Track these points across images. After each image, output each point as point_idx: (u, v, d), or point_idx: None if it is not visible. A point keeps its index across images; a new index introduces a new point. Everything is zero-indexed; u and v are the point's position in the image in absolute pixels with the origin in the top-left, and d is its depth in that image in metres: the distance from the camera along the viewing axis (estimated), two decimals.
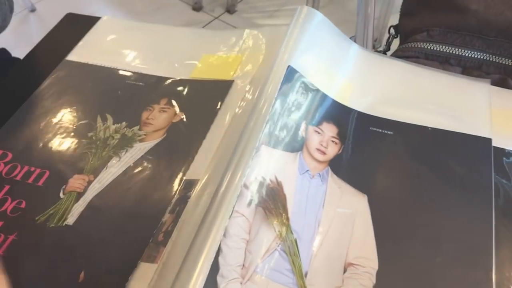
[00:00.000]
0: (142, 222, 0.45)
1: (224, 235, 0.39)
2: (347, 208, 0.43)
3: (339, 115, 0.50)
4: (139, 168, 0.49)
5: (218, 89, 0.55)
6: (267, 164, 0.44)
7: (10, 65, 0.81)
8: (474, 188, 0.44)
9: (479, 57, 0.58)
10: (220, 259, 0.38)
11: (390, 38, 0.68)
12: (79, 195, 0.48)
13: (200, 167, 0.47)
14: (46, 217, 0.46)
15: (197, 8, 1.96)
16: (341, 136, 0.48)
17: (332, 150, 0.47)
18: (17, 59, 0.82)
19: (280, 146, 0.46)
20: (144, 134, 0.52)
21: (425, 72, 0.54)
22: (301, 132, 0.47)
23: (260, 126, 0.45)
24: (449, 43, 0.59)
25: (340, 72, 0.53)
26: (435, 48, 0.60)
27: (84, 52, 0.61)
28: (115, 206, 0.46)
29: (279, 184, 0.43)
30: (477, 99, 0.51)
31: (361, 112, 0.50)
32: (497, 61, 0.58)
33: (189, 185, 0.46)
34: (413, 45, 0.61)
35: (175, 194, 0.46)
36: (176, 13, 1.98)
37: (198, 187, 0.45)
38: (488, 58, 0.58)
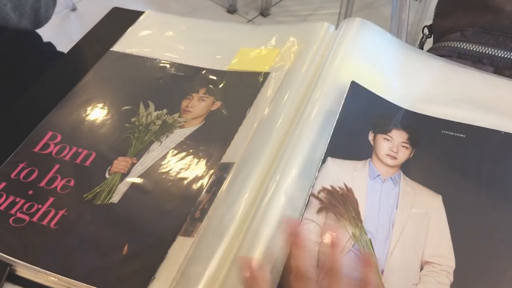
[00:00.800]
0: (180, 201, 0.47)
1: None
2: (421, 208, 0.45)
3: (407, 121, 0.52)
4: (179, 152, 0.52)
5: (255, 80, 0.57)
6: (334, 173, 0.47)
7: (56, 58, 0.85)
8: None
9: (511, 57, 0.59)
10: (292, 261, 0.39)
11: (424, 38, 0.69)
12: (123, 176, 0.51)
13: (236, 151, 0.50)
14: (93, 195, 0.49)
15: (232, 10, 2.00)
16: (412, 141, 0.50)
17: (403, 154, 0.49)
18: (62, 53, 0.87)
19: (347, 155, 0.48)
20: (184, 121, 0.55)
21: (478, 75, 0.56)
22: (370, 141, 0.50)
23: (314, 135, 0.49)
24: (482, 43, 0.60)
25: (392, 75, 0.56)
26: (468, 48, 0.61)
27: (128, 44, 0.65)
28: (156, 186, 0.49)
29: (349, 190, 0.46)
30: None
31: (430, 116, 0.52)
32: None
33: (224, 167, 0.49)
34: (446, 44, 0.62)
35: (211, 175, 0.49)
36: (210, 15, 2.02)
37: (233, 169, 0.48)
38: None
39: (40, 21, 0.67)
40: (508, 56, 0.59)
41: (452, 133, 0.50)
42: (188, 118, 0.55)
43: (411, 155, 0.49)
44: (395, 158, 0.49)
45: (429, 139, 0.50)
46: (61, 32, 2.01)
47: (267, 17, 1.98)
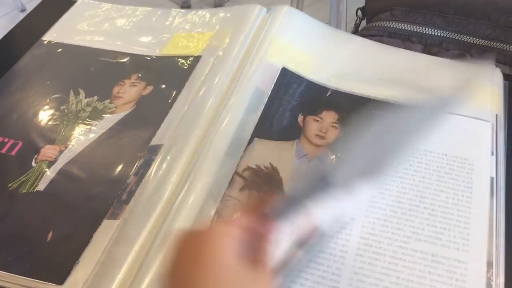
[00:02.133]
0: (108, 185, 0.47)
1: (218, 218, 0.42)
2: None
3: (337, 101, 0.52)
4: (108, 137, 0.51)
5: (186, 63, 0.57)
6: (259, 153, 0.47)
7: None
8: None
9: (439, 34, 0.61)
10: None
11: (358, 20, 0.70)
12: (51, 163, 0.49)
13: (165, 134, 0.49)
14: (18, 184, 0.48)
15: (186, 6, 1.99)
16: (341, 121, 0.50)
17: (332, 134, 0.50)
18: None
19: (275, 137, 0.49)
20: (115, 107, 0.54)
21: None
22: (299, 123, 0.50)
23: (244, 118, 0.49)
24: (410, 22, 0.62)
25: (320, 57, 0.56)
26: (397, 27, 0.62)
27: (59, 33, 0.63)
28: (84, 172, 0.48)
29: (274, 169, 0.46)
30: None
31: (360, 96, 0.52)
32: (456, 38, 0.60)
33: (153, 150, 0.48)
34: (377, 24, 0.63)
35: (140, 158, 0.48)
36: None
37: (161, 151, 0.47)
38: (447, 36, 0.61)
39: None
40: (436, 34, 0.61)
41: (380, 112, 0.51)
42: (119, 103, 0.55)
43: (340, 134, 0.50)
44: (323, 138, 0.49)
45: (358, 119, 0.51)
46: None
47: None
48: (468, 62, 0.58)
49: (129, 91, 0.56)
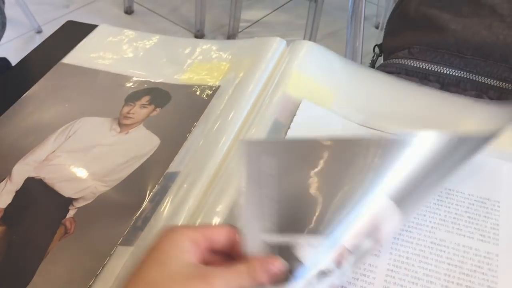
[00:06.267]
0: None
1: None
2: None
3: None
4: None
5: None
6: None
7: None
8: None
9: (457, 74, 0.61)
10: None
11: (375, 57, 0.71)
12: None
13: (183, 160, 0.49)
14: None
15: (199, 35, 2.02)
16: None
17: None
18: None
19: None
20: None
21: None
22: None
23: None
24: (428, 61, 0.62)
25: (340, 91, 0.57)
26: (415, 65, 0.62)
27: (79, 56, 0.64)
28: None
29: None
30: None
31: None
32: (474, 78, 0.60)
33: (170, 177, 0.48)
34: (394, 62, 0.64)
35: (155, 185, 0.48)
36: None
37: (178, 179, 0.47)
38: (465, 76, 0.61)
39: None
40: (454, 73, 0.61)
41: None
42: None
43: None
44: None
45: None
46: (25, 55, 1.99)
47: None
48: (490, 103, 0.57)
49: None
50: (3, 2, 0.70)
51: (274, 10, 2.15)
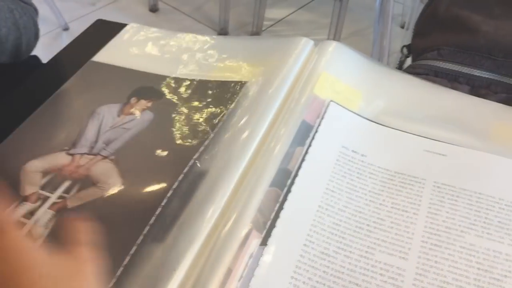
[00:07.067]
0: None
1: None
2: None
3: None
4: None
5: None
6: None
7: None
8: None
9: (487, 76, 0.60)
10: None
11: (403, 57, 0.70)
12: None
13: (211, 159, 0.50)
14: None
15: (223, 33, 2.02)
16: None
17: None
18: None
19: None
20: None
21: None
22: None
23: None
24: (458, 62, 0.61)
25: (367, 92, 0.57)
26: (444, 67, 0.62)
27: (109, 54, 0.65)
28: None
29: None
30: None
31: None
32: (505, 81, 0.60)
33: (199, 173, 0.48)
34: (423, 63, 0.63)
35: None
36: None
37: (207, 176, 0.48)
38: (496, 78, 0.60)
39: (21, 55, 0.67)
40: (484, 76, 0.60)
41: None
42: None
43: None
44: None
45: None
46: (53, 51, 2.02)
47: None
48: None
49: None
50: (37, 14, 0.71)
51: (298, 9, 2.14)
